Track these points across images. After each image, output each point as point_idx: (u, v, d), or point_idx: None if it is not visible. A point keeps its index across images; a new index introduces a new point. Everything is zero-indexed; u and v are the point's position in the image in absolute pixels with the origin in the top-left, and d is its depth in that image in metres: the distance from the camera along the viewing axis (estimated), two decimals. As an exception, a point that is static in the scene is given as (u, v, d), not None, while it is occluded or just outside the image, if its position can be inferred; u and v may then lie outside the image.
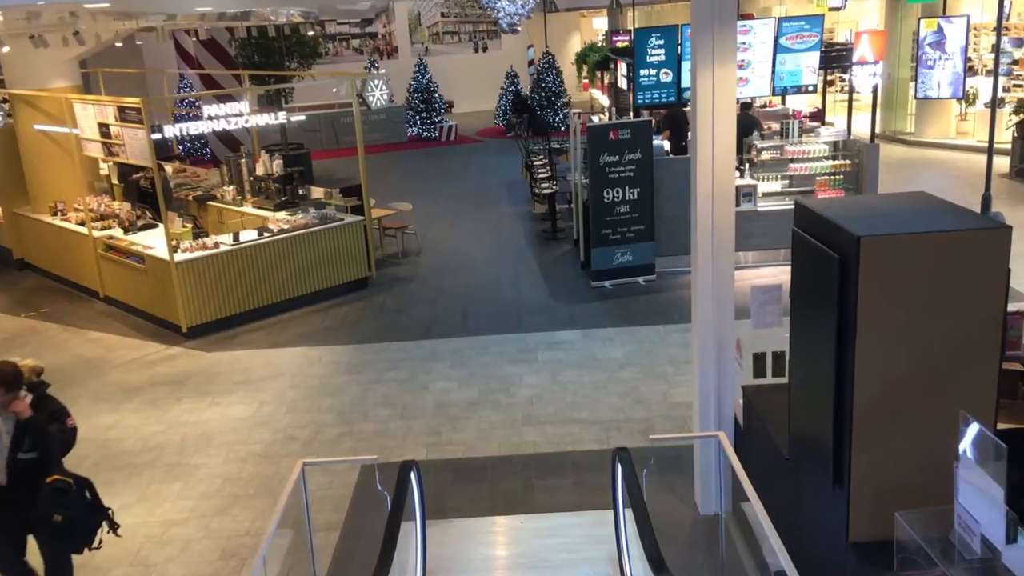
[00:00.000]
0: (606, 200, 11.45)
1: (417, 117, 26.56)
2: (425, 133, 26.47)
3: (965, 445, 3.48)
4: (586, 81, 25.72)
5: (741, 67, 11.89)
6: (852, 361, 4.06)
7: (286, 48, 19.81)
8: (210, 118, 11.25)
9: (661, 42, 11.57)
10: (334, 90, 25.64)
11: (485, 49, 32.93)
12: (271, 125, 21.98)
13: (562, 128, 24.50)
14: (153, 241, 11.40)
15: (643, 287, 11.67)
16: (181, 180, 14.93)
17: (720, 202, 5.89)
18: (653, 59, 11.64)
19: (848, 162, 12.23)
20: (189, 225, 11.58)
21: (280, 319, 11.33)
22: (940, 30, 16.31)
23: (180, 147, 21.88)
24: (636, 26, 11.90)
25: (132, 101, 10.29)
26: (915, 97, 16.73)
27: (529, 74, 27.66)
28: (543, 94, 25.53)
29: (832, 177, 12.35)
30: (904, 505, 3.90)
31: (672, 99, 11.86)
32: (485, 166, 21.65)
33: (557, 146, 17.58)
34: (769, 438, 5.46)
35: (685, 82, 11.75)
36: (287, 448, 7.95)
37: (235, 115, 11.44)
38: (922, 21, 17.16)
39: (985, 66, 21.14)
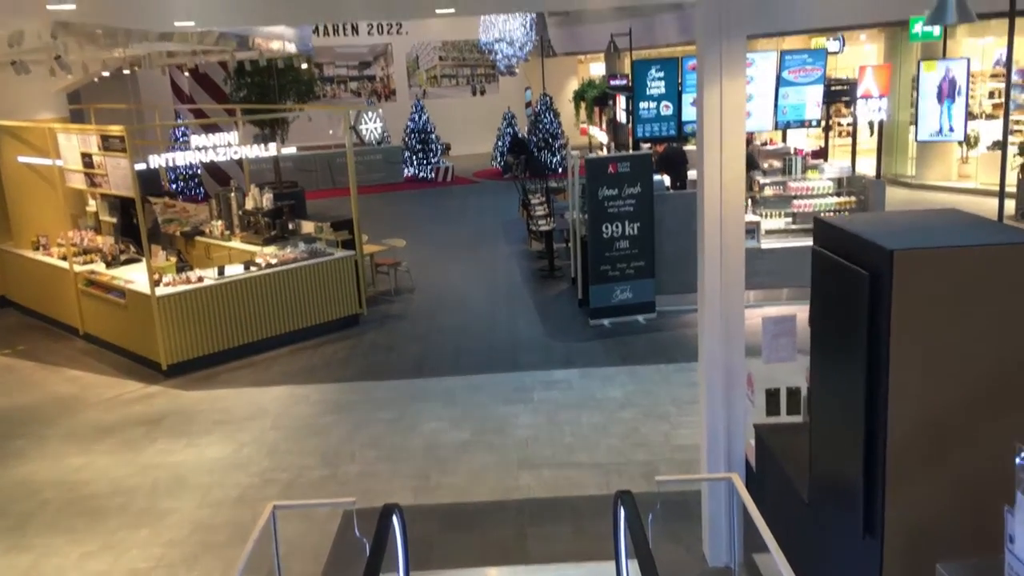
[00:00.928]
0: (605, 235, 11.07)
1: (413, 158, 26.36)
2: (421, 174, 26.25)
3: (1022, 484, 3.02)
4: (584, 126, 25.59)
5: (743, 100, 11.62)
6: (885, 391, 3.62)
7: (281, 86, 19.59)
8: (198, 148, 10.91)
9: (661, 74, 11.30)
10: (331, 132, 25.49)
11: (483, 92, 32.93)
12: (263, 161, 21.78)
13: (560, 170, 24.29)
14: (136, 275, 10.98)
15: (643, 325, 11.23)
16: (170, 215, 14.55)
17: (729, 223, 5.50)
18: (653, 91, 11.36)
19: (853, 199, 11.89)
20: (173, 259, 11.18)
21: (266, 357, 10.86)
22: (941, 72, 16.15)
23: (172, 184, 21.59)
24: (634, 65, 11.63)
25: (115, 129, 9.96)
26: (915, 140, 16.51)
27: (527, 116, 27.55)
28: (541, 135, 25.35)
29: (837, 215, 12.01)
30: (946, 555, 3.43)
31: (672, 132, 11.56)
32: (482, 206, 21.36)
33: (555, 185, 17.33)
34: (786, 481, 4.98)
35: (686, 115, 11.47)
36: (264, 492, 7.43)
37: (223, 146, 11.10)
38: (922, 63, 17.07)
39: (984, 111, 20.99)
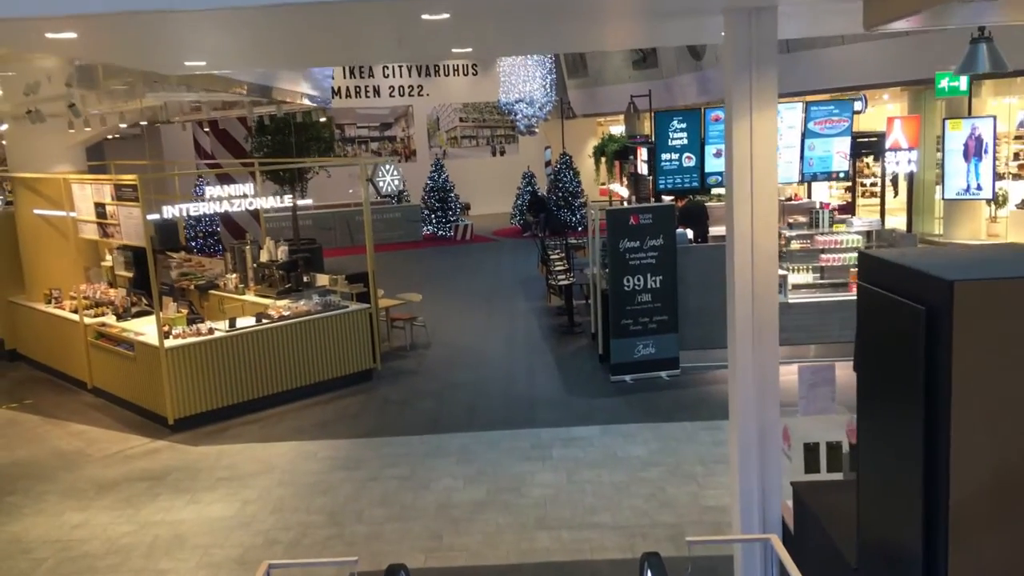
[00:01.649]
0: (626, 288, 10.75)
1: (432, 216, 26.30)
2: (440, 232, 26.15)
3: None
4: (603, 187, 25.47)
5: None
6: (946, 441, 3.22)
7: (300, 143, 19.62)
8: (213, 199, 10.76)
9: (683, 125, 11.10)
10: (350, 190, 25.54)
11: (503, 153, 33.05)
12: (282, 218, 21.76)
13: (579, 228, 24.10)
14: (146, 328, 10.74)
15: (666, 382, 10.82)
16: (185, 269, 14.40)
17: (762, 261, 5.15)
18: (675, 143, 11.14)
19: (883, 253, 11.52)
20: (184, 311, 10.94)
21: (276, 412, 10.52)
22: (967, 130, 15.90)
23: (191, 241, 21.57)
24: (656, 117, 11.45)
25: (128, 178, 9.84)
26: (943, 198, 16.18)
27: (546, 174, 27.52)
28: (560, 194, 25.24)
29: (867, 268, 11.62)
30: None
31: (696, 184, 11.29)
32: (500, 264, 21.14)
33: (575, 242, 17.12)
34: (830, 544, 4.54)
35: (709, 166, 11.23)
36: (267, 552, 7.02)
37: (239, 196, 10.95)
38: (947, 122, 16.83)
39: (1009, 171, 20.65)
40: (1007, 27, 5.56)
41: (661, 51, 28.05)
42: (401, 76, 31.64)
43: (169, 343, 9.97)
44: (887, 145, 11.38)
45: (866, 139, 11.65)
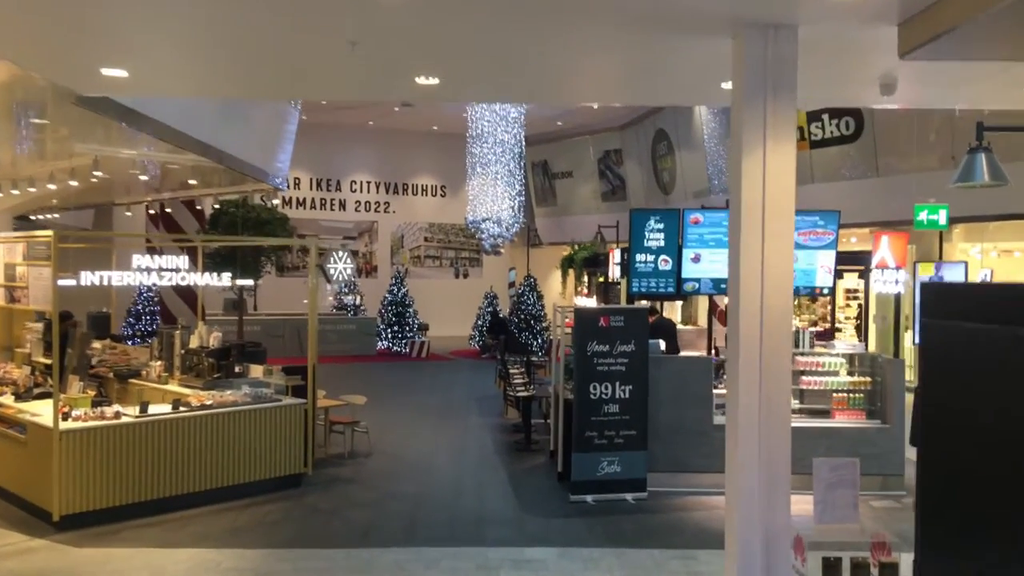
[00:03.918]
0: (592, 396, 9.69)
1: (388, 330, 25.23)
2: (395, 348, 25.02)
3: None
4: (569, 320, 24.69)
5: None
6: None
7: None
8: (140, 270, 9.67)
9: (661, 226, 10.37)
10: (304, 301, 24.49)
11: (466, 276, 32.44)
12: (227, 323, 20.53)
13: (540, 353, 23.15)
14: (46, 410, 9.38)
15: (632, 506, 9.61)
16: (107, 357, 13.05)
17: (774, 317, 4.20)
18: (651, 243, 10.38)
19: (868, 379, 10.67)
20: (92, 392, 9.62)
21: (183, 515, 9.08)
22: (938, 275, 15.50)
23: (127, 340, 20.19)
24: (632, 216, 10.75)
25: (43, 234, 8.76)
26: (915, 344, 15.58)
27: (509, 295, 26.77)
28: (522, 316, 24.39)
29: (851, 395, 10.73)
30: None
31: (671, 289, 10.46)
32: (455, 381, 19.99)
33: (536, 359, 16.16)
34: None
35: (686, 272, 10.44)
36: None
37: (170, 270, 9.87)
38: (918, 265, 16.48)
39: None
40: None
41: (630, 184, 28.12)
42: (368, 192, 31.29)
43: (66, 425, 8.62)
44: (873, 263, 10.71)
45: (851, 254, 10.99)
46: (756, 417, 4.27)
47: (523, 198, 24.96)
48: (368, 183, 31.23)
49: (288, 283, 27.42)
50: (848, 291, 18.31)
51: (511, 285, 27.61)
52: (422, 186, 31.94)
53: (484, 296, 26.32)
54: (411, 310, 25.58)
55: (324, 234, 30.91)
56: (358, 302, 26.75)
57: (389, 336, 25.18)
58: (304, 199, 30.20)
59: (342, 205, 30.96)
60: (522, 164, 24.41)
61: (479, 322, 25.89)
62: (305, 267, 29.01)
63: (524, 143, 24.65)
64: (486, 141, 23.91)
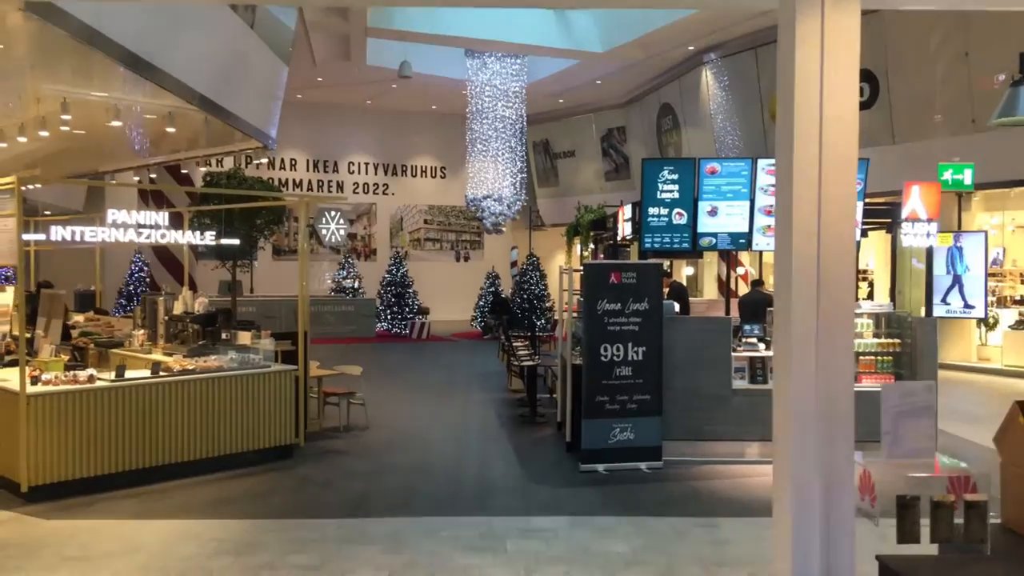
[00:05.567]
0: (603, 358, 9.01)
1: (388, 311, 24.56)
2: (395, 329, 24.36)
3: None
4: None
5: (768, 214, 9.97)
6: None
7: (247, 215, 17.97)
8: (116, 225, 8.99)
9: (675, 176, 9.66)
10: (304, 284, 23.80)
11: (467, 259, 31.73)
12: (221, 298, 19.88)
13: (544, 333, 22.46)
14: (16, 376, 8.71)
15: (646, 475, 8.94)
16: (89, 328, 12.39)
17: (831, 247, 3.51)
18: (664, 196, 9.68)
19: (898, 341, 9.99)
20: (65, 356, 8.95)
21: (162, 487, 8.42)
22: (956, 245, 14.80)
23: (116, 312, 19.55)
24: (644, 166, 10.05)
25: (5, 181, 8.06)
26: (927, 316, 14.89)
27: (512, 275, 26.09)
28: (525, 296, 23.70)
29: (879, 358, 10.06)
30: None
31: (687, 245, 9.77)
32: (457, 360, 19.34)
33: (541, 332, 15.53)
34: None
35: (701, 226, 9.75)
36: (93, 654, 4.91)
37: (150, 226, 9.19)
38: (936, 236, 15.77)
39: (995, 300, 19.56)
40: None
41: (634, 162, 27.37)
42: (367, 174, 30.56)
43: (34, 389, 7.96)
44: (903, 215, 10.00)
45: (880, 206, 10.27)
46: (813, 334, 3.60)
47: (525, 175, 24.27)
48: (366, 164, 30.50)
49: (284, 266, 26.77)
50: (859, 272, 17.61)
51: (513, 264, 26.94)
52: (421, 167, 31.21)
53: (486, 276, 25.64)
54: (411, 291, 24.93)
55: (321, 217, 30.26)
56: (357, 285, 26.09)
57: (388, 317, 24.53)
58: (301, 180, 29.47)
59: (340, 187, 30.24)
60: (523, 140, 23.69)
61: (481, 303, 25.22)
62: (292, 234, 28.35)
63: (525, 119, 23.91)
64: (486, 117, 23.20)
